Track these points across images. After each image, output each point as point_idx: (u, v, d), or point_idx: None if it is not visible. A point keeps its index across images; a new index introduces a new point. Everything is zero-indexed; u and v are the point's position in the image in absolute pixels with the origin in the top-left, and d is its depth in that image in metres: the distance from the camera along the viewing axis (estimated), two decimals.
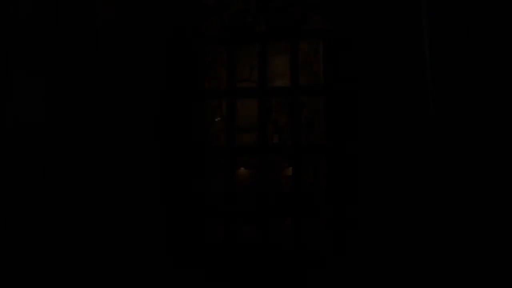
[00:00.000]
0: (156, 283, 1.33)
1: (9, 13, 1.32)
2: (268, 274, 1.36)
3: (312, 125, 5.05)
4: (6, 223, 1.23)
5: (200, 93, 1.56)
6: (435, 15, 1.17)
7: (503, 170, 1.09)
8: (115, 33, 1.46)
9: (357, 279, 1.28)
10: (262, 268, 1.37)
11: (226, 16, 1.56)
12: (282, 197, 4.36)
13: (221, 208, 1.45)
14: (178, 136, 1.47)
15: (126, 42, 1.47)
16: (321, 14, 1.43)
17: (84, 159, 1.34)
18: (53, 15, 1.35)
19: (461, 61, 1.16)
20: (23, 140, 1.29)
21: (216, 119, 5.59)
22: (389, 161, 1.24)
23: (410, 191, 1.21)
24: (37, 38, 1.35)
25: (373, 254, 1.23)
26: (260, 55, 1.52)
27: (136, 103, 1.42)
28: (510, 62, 1.09)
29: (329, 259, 1.34)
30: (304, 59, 5.38)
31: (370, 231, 1.25)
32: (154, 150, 1.38)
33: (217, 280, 1.36)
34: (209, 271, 1.41)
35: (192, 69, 1.56)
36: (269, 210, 1.41)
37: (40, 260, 1.26)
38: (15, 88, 1.31)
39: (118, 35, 1.45)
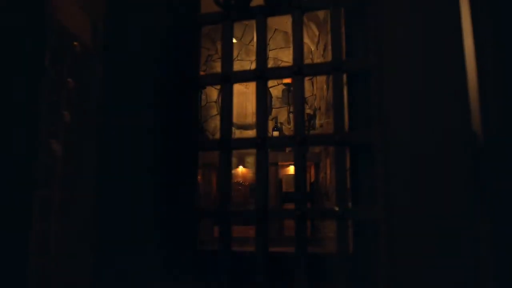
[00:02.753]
0: None
1: None
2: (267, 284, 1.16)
3: (314, 122, 4.86)
4: None
5: (194, 79, 1.36)
6: None
7: None
8: None
9: None
10: (261, 277, 1.17)
11: None
12: (283, 197, 4.16)
13: (215, 209, 1.24)
14: (169, 127, 1.29)
15: None
16: None
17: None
18: None
19: None
20: None
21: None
22: (414, 155, 1.02)
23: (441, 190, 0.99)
24: None
25: (394, 266, 1.01)
26: (258, 32, 1.31)
27: (127, 92, 1.25)
28: None
29: (338, 269, 1.13)
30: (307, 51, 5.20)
31: (391, 237, 1.04)
32: (145, 143, 1.22)
33: None
34: (202, 280, 1.21)
35: (185, 51, 1.37)
36: (269, 211, 1.21)
37: None
38: None
39: None
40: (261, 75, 1.29)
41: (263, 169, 1.23)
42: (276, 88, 5.21)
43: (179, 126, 1.31)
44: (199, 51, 1.44)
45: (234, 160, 5.31)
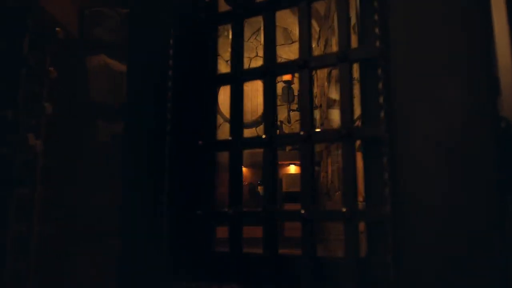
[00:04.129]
0: None
1: None
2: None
3: (315, 120, 4.77)
4: None
5: (211, 78, 1.33)
6: None
7: None
8: None
9: None
10: (271, 279, 1.11)
11: None
12: (284, 197, 4.06)
13: (227, 210, 1.20)
14: (186, 128, 1.28)
15: None
16: None
17: None
18: None
19: None
20: None
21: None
22: (428, 148, 0.92)
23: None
24: None
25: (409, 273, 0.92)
26: (266, 27, 1.25)
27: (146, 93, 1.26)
28: None
29: (346, 274, 1.03)
30: None
31: (399, 239, 0.94)
32: (162, 144, 1.23)
33: None
34: (211, 281, 1.16)
35: (201, 51, 1.34)
36: (278, 212, 1.15)
37: None
38: None
39: None
40: (269, 71, 1.22)
41: (271, 168, 1.16)
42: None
43: (196, 127, 1.29)
44: (215, 50, 1.40)
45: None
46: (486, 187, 0.85)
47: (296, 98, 5.36)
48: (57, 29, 1.12)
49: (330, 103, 3.92)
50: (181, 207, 1.21)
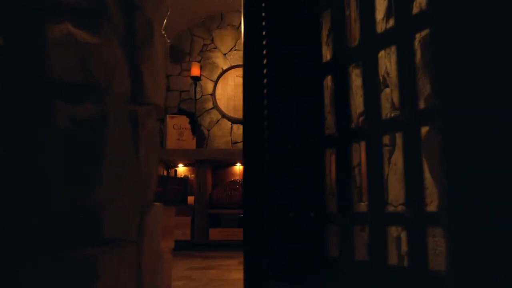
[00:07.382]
0: None
1: None
2: None
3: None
4: None
5: (315, 66, 1.23)
6: None
7: None
8: None
9: None
10: None
11: None
12: None
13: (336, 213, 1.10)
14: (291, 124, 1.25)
15: None
16: None
17: None
18: None
19: None
20: None
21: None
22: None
23: None
24: None
25: None
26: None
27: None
28: None
29: None
30: None
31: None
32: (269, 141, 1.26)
33: None
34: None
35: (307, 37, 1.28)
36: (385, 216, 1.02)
37: None
38: None
39: None
40: (368, 50, 1.03)
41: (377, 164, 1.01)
42: None
43: (301, 121, 1.24)
44: (320, 36, 1.29)
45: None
46: None
47: None
48: None
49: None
50: (280, 211, 1.22)
